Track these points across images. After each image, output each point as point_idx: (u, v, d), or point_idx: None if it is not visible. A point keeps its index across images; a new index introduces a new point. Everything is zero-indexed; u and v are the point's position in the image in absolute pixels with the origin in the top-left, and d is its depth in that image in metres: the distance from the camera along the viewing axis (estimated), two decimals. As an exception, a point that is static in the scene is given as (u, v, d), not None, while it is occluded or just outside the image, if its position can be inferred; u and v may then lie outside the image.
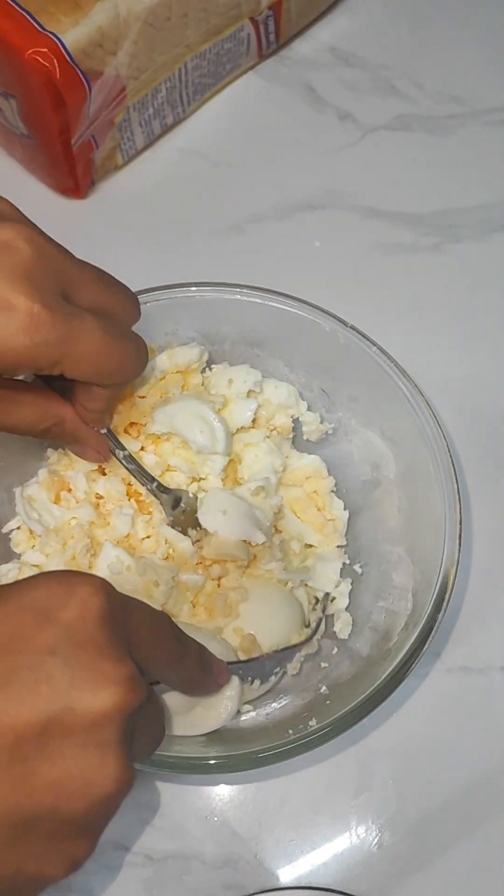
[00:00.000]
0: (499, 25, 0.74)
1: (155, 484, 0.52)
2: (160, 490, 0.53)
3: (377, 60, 0.73)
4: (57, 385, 0.48)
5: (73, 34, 0.56)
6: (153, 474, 0.53)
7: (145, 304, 0.54)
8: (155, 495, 0.53)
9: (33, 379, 0.49)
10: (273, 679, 0.51)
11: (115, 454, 0.52)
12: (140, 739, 0.37)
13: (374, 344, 0.53)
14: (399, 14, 0.74)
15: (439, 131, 0.70)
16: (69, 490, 0.53)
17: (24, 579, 0.36)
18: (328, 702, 0.49)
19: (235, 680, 0.48)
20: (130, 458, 0.52)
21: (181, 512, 0.53)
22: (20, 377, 0.48)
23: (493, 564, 0.57)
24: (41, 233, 0.43)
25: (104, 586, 0.36)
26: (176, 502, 0.53)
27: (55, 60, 0.56)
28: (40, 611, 0.35)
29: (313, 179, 0.68)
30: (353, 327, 0.54)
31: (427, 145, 0.70)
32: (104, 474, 0.54)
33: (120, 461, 0.52)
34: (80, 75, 0.57)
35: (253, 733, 0.50)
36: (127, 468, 0.52)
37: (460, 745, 0.53)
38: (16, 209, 0.43)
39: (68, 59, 0.56)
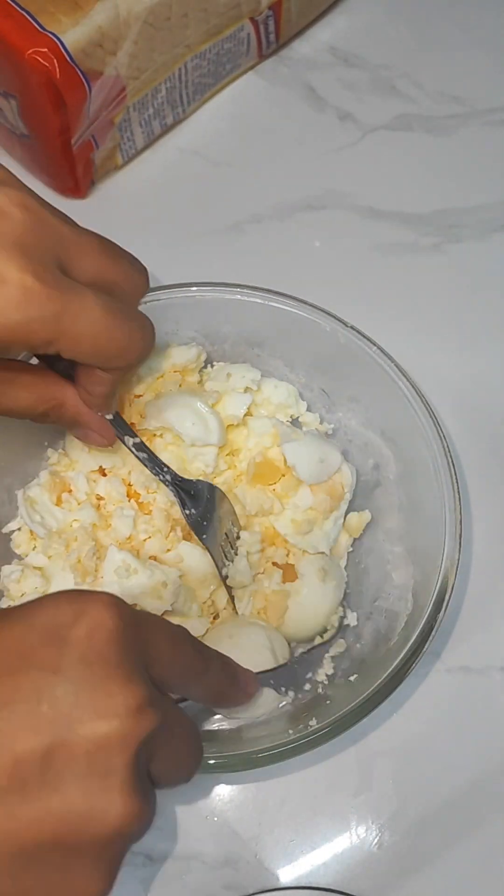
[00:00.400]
0: (499, 25, 0.74)
1: (168, 474, 0.50)
2: (176, 482, 0.50)
3: (377, 60, 0.73)
4: (60, 366, 0.45)
5: (73, 34, 0.56)
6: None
7: (145, 304, 0.54)
8: (168, 486, 0.50)
9: (35, 361, 0.47)
10: (308, 687, 0.50)
11: (124, 442, 0.49)
12: (164, 764, 0.35)
13: (374, 344, 0.53)
14: (399, 14, 0.74)
15: (439, 131, 0.70)
16: (70, 491, 0.53)
17: (34, 600, 0.35)
18: (328, 702, 0.49)
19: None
20: (141, 446, 0.50)
21: (200, 506, 0.50)
22: (16, 357, 0.45)
23: (493, 564, 0.57)
24: (38, 198, 0.40)
25: (116, 603, 0.34)
26: (193, 494, 0.50)
27: (55, 60, 0.56)
28: (49, 630, 0.33)
29: (313, 179, 0.68)
30: (353, 327, 0.54)
31: (427, 145, 0.70)
32: (104, 475, 0.54)
33: (129, 449, 0.50)
34: (80, 75, 0.57)
35: (253, 733, 0.50)
36: (137, 457, 0.50)
37: (460, 745, 0.53)
38: (9, 173, 0.40)
39: (68, 59, 0.56)
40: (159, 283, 0.54)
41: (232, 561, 0.52)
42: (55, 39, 0.56)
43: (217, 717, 0.51)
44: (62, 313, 0.38)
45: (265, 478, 0.54)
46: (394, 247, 0.66)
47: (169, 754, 0.35)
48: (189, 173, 0.69)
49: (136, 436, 0.50)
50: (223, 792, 0.52)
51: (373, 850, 0.51)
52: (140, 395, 0.55)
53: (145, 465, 0.50)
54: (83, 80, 0.58)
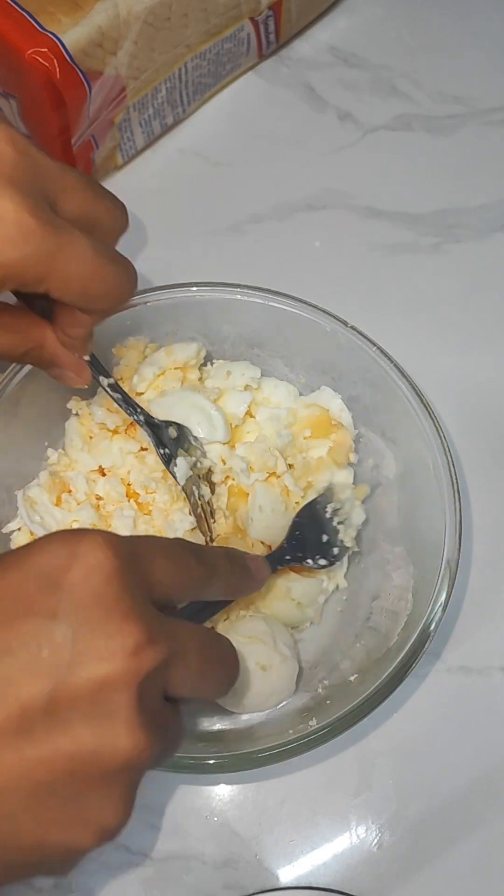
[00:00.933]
0: (499, 25, 0.74)
1: (141, 415, 0.50)
2: (149, 423, 0.50)
3: (377, 60, 0.73)
4: (37, 306, 0.45)
5: (73, 34, 0.56)
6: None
7: (145, 303, 0.54)
8: (143, 427, 0.51)
9: (14, 301, 0.46)
10: (338, 550, 0.52)
11: (99, 382, 0.49)
12: (186, 687, 0.36)
13: (374, 344, 0.53)
14: (399, 14, 0.74)
15: (439, 131, 0.70)
16: (69, 492, 0.53)
17: (27, 544, 0.35)
18: (328, 702, 0.49)
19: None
20: (116, 387, 0.50)
21: (180, 447, 0.51)
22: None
23: (493, 564, 0.57)
24: (24, 135, 0.40)
25: (110, 541, 0.34)
26: (168, 436, 0.51)
27: (55, 60, 0.56)
28: (44, 575, 0.34)
29: (313, 179, 0.68)
30: (353, 327, 0.54)
31: (427, 145, 0.70)
32: (104, 475, 0.54)
33: (105, 389, 0.50)
34: (80, 75, 0.57)
35: (253, 733, 0.50)
36: (111, 396, 0.50)
37: (460, 745, 0.53)
38: None
39: (68, 59, 0.56)
40: (159, 283, 0.54)
41: (214, 520, 0.53)
42: (55, 39, 0.56)
43: (217, 717, 0.51)
44: (56, 252, 0.38)
45: (319, 430, 0.55)
46: (394, 247, 0.66)
47: (188, 675, 0.36)
48: (189, 173, 0.69)
49: (111, 376, 0.50)
50: (223, 792, 0.52)
51: (373, 850, 0.51)
52: (142, 393, 0.55)
53: (120, 406, 0.51)
54: (83, 80, 0.58)
